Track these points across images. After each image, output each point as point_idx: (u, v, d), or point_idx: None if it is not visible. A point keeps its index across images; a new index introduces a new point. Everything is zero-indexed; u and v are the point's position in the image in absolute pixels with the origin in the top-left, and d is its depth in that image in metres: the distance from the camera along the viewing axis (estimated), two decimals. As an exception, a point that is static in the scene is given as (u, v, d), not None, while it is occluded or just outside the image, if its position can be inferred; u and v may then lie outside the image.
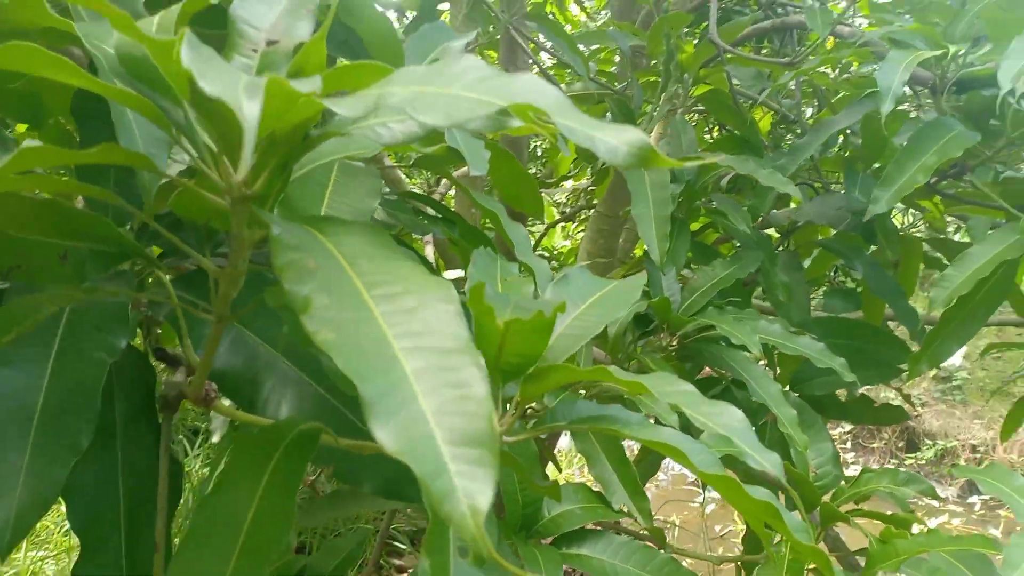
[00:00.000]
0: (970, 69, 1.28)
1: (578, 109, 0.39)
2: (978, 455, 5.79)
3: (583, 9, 3.55)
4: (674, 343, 1.19)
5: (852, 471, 5.98)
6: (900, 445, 6.10)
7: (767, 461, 0.52)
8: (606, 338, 1.22)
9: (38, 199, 0.54)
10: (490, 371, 0.54)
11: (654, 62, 1.66)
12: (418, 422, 0.29)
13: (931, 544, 0.80)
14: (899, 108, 1.54)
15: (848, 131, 1.60)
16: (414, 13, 1.29)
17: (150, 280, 0.79)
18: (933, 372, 6.14)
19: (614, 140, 0.36)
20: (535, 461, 0.90)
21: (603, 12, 3.49)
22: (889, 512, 1.04)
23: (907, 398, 1.69)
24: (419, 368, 0.31)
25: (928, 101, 1.43)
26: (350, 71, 0.42)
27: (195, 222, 0.56)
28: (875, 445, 6.16)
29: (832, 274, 2.54)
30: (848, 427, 5.93)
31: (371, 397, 0.29)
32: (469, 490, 0.27)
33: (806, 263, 2.09)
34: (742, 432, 0.50)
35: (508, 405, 0.57)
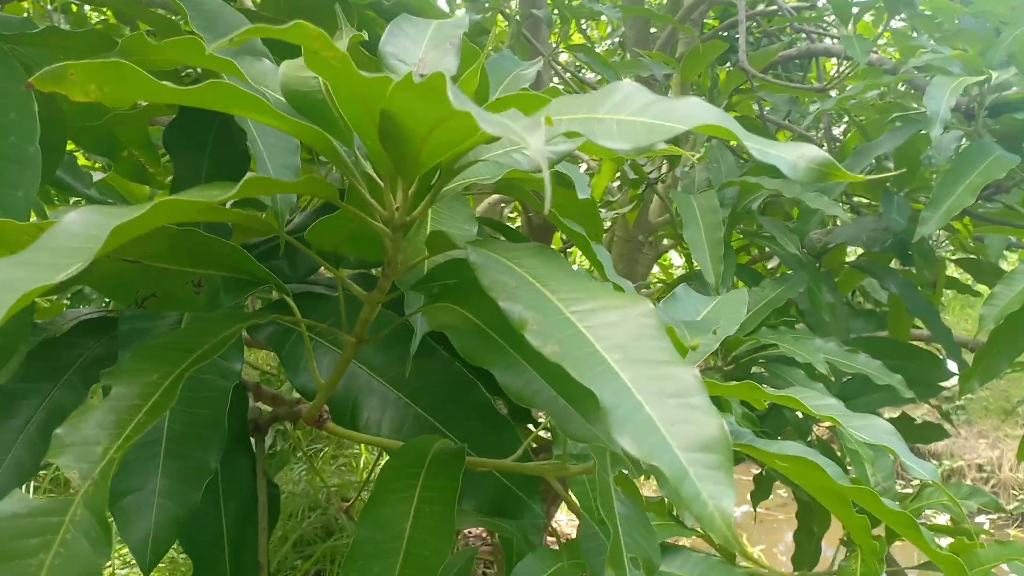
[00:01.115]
0: (1004, 93, 1.31)
1: (739, 127, 0.41)
2: (984, 474, 5.78)
3: (586, 37, 3.62)
4: (730, 362, 1.21)
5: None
6: (908, 466, 6.08)
7: (923, 468, 0.54)
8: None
9: (176, 229, 0.57)
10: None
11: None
12: (651, 430, 0.31)
13: (1012, 554, 0.81)
14: (923, 132, 1.58)
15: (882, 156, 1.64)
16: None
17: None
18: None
19: (792, 156, 0.38)
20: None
21: (607, 41, 3.56)
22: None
23: (946, 416, 1.71)
24: (635, 378, 0.33)
25: (957, 126, 1.46)
26: (511, 101, 0.44)
27: (323, 249, 0.58)
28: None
29: (852, 296, 2.56)
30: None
31: (609, 404, 0.31)
32: (712, 493, 0.29)
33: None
34: (896, 442, 0.52)
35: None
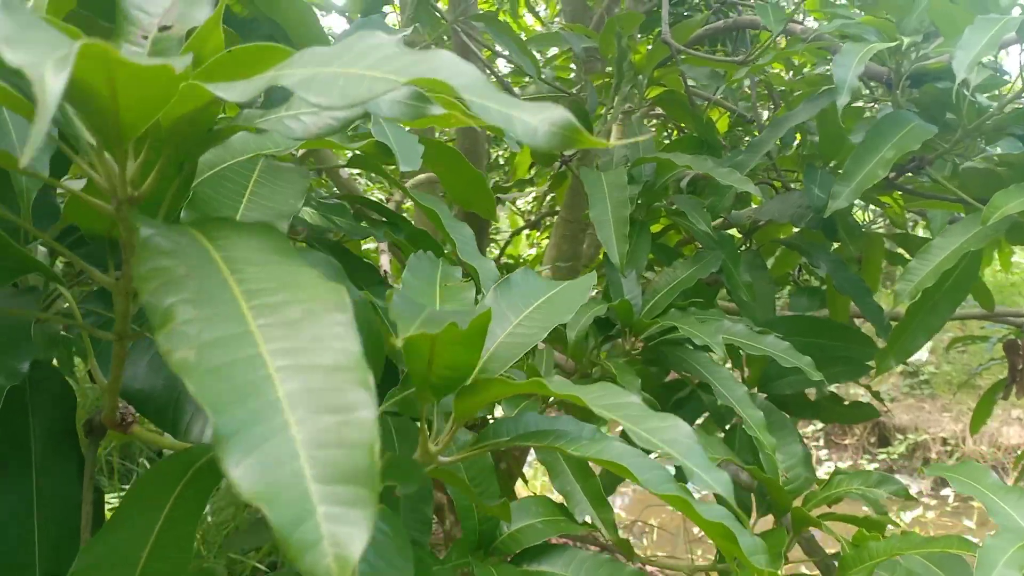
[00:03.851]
0: (924, 63, 1.26)
1: (496, 89, 0.34)
2: (949, 447, 5.86)
3: (537, 18, 3.53)
4: (638, 347, 1.16)
5: (826, 468, 5.92)
6: (872, 441, 6.15)
7: (714, 480, 0.47)
8: (568, 343, 1.18)
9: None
10: (420, 386, 0.49)
11: (608, 67, 1.63)
12: (285, 457, 0.24)
13: (904, 547, 0.76)
14: (855, 105, 1.53)
15: (807, 130, 1.59)
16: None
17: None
18: (900, 368, 6.23)
19: (533, 119, 0.32)
20: (490, 475, 0.85)
21: (556, 20, 3.47)
22: (863, 513, 1.01)
23: (876, 395, 1.68)
24: (295, 390, 0.26)
25: (884, 97, 1.42)
26: (246, 54, 0.37)
27: (96, 232, 0.51)
28: (847, 442, 6.20)
29: (796, 273, 2.54)
30: (820, 424, 5.95)
31: (227, 430, 0.24)
32: (339, 537, 0.23)
33: (769, 262, 2.08)
34: (688, 448, 0.46)
35: (445, 421, 0.53)
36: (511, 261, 3.48)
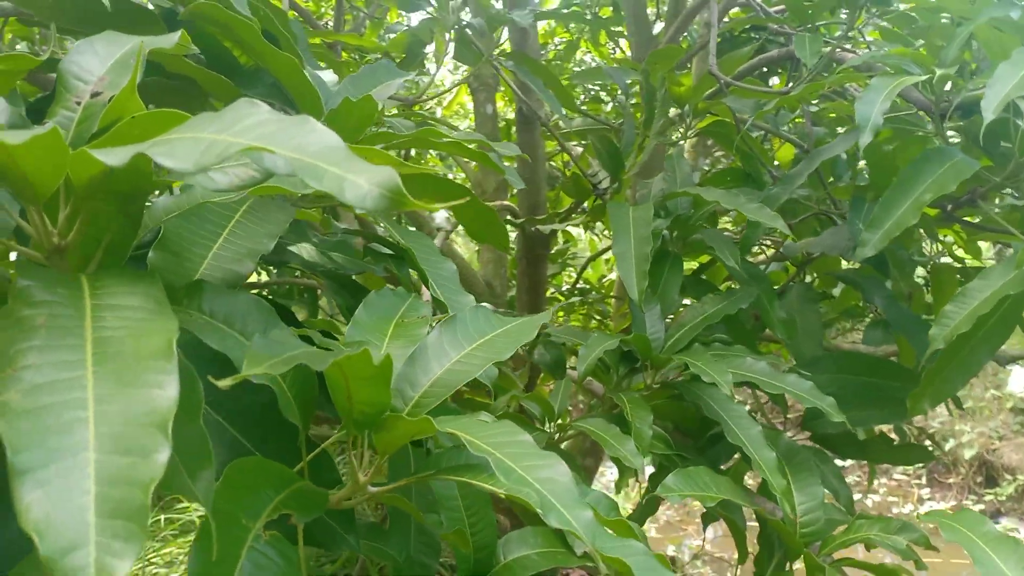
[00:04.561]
0: (973, 92, 1.21)
1: (350, 154, 0.37)
2: (1062, 489, 5.44)
3: (619, 47, 3.56)
4: (658, 381, 1.15)
5: (927, 507, 5.53)
6: (979, 480, 5.77)
7: (575, 518, 0.47)
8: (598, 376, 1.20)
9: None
10: (346, 420, 0.52)
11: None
12: (77, 491, 0.27)
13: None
14: (918, 134, 1.47)
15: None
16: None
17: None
18: (1011, 403, 5.83)
19: (365, 183, 0.34)
20: (485, 504, 0.86)
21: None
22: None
23: (931, 437, 1.59)
24: (105, 433, 0.29)
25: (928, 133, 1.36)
26: (145, 120, 0.41)
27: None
28: (951, 480, 5.83)
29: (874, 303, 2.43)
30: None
31: (24, 466, 0.27)
32: (105, 564, 0.26)
33: (836, 291, 2.01)
34: (560, 487, 0.47)
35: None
36: (587, 286, 3.45)
